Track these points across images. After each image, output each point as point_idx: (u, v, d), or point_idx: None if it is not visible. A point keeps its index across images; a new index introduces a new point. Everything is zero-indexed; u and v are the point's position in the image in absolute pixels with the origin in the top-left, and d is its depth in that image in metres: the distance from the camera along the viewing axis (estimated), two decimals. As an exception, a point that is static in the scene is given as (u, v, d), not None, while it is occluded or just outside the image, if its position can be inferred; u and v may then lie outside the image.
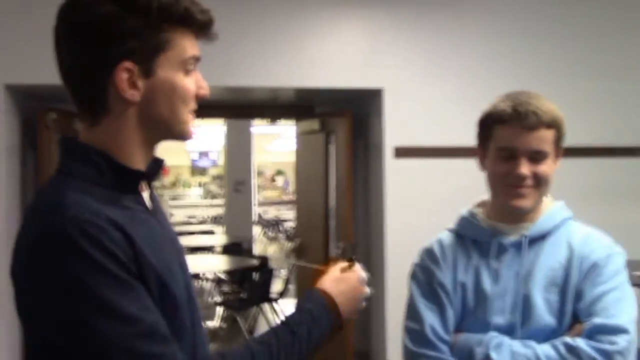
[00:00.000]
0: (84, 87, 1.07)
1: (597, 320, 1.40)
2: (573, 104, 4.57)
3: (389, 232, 4.39)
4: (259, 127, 12.07)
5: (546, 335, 1.44)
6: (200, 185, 19.40)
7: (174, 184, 19.13)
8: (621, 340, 1.38)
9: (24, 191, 4.44)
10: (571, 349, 1.38)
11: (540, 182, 1.51)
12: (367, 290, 1.29)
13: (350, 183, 4.69)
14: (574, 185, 4.47)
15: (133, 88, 1.06)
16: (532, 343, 1.43)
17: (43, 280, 0.97)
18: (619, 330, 1.39)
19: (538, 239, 1.54)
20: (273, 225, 13.55)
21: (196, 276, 7.41)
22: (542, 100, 1.52)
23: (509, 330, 1.47)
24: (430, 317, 1.52)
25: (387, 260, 4.41)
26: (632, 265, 3.64)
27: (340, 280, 1.26)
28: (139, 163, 1.12)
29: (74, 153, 1.09)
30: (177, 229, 10.25)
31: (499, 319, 1.48)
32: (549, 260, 1.50)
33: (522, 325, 1.46)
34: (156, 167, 1.17)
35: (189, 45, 1.10)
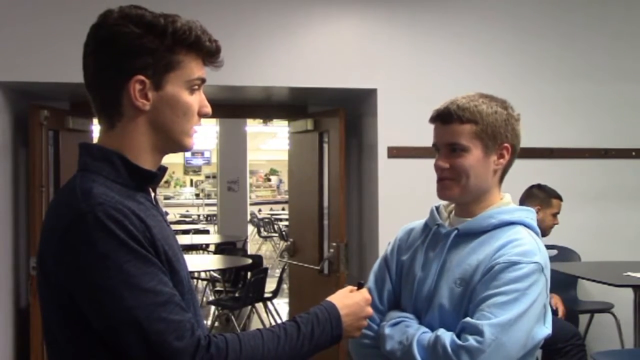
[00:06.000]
0: (104, 93, 1.24)
1: (467, 319, 1.47)
2: (574, 106, 4.60)
3: (382, 231, 4.37)
4: (253, 126, 12.04)
5: (446, 324, 1.52)
6: (193, 184, 19.32)
7: (167, 183, 19.05)
8: (472, 339, 1.42)
9: (15, 188, 4.41)
10: (436, 338, 1.48)
11: (459, 174, 1.57)
12: (371, 310, 1.45)
13: (344, 183, 4.68)
14: (572, 186, 4.48)
15: (144, 98, 1.23)
16: (423, 328, 1.54)
17: (75, 257, 1.13)
18: (474, 331, 1.43)
19: (473, 234, 1.58)
20: (267, 224, 13.55)
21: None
22: (474, 98, 1.59)
23: (419, 313, 1.60)
24: (371, 284, 1.71)
25: (380, 260, 4.38)
26: (628, 266, 3.64)
27: (348, 296, 1.42)
28: (149, 166, 1.27)
29: (94, 154, 1.24)
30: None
31: (416, 301, 1.61)
32: (470, 256, 1.55)
33: (427, 310, 1.58)
34: (160, 173, 1.32)
35: (196, 68, 1.26)
